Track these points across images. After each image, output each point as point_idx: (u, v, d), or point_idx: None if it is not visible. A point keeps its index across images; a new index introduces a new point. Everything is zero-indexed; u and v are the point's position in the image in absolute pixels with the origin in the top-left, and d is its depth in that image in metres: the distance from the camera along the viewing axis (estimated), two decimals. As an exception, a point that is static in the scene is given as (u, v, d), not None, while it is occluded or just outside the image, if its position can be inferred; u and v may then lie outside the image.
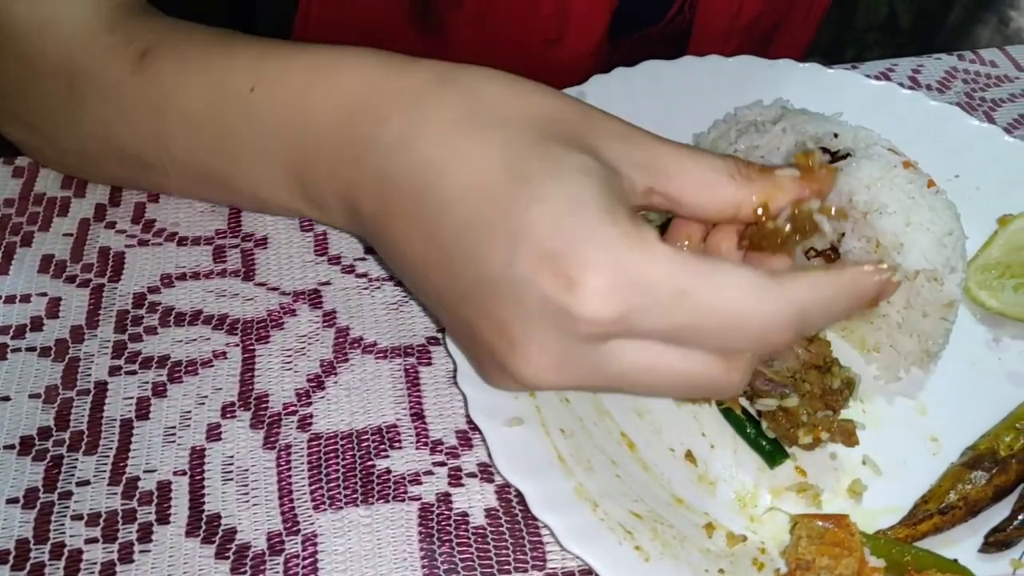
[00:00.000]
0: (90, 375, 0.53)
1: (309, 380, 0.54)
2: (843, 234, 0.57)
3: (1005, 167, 0.67)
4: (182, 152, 0.54)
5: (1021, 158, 0.67)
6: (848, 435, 0.52)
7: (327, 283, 0.59)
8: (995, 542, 0.48)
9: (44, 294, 0.57)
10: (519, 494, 0.48)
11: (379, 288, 0.59)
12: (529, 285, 0.38)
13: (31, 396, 0.52)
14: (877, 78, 0.76)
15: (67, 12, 0.56)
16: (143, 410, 0.52)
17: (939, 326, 0.55)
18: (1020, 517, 0.49)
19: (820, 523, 0.46)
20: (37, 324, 0.55)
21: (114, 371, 0.53)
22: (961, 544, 0.49)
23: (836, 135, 0.60)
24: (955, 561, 0.47)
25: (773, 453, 0.52)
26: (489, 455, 0.48)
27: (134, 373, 0.53)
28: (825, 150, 0.58)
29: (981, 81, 0.82)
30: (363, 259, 0.61)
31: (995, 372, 0.58)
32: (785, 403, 0.50)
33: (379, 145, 0.44)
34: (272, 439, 0.51)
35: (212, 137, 0.52)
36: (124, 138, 0.56)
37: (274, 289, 0.58)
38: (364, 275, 0.60)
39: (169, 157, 0.55)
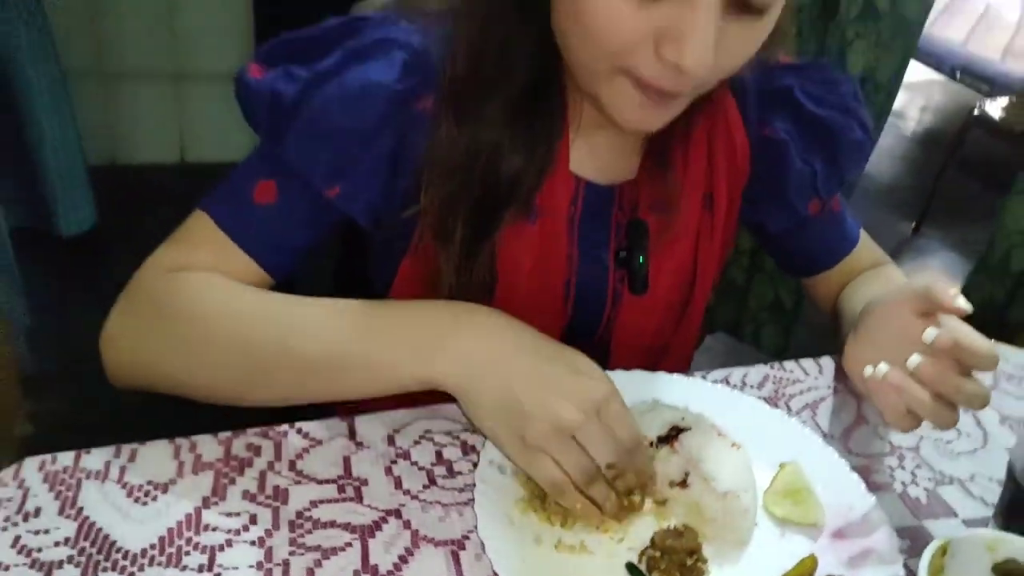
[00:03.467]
0: None
1: None
2: (688, 472, 1.03)
3: (786, 434, 1.15)
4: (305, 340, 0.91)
5: (791, 429, 1.16)
6: None
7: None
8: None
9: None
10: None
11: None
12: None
13: None
14: (718, 383, 1.26)
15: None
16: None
17: (745, 521, 1.01)
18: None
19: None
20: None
21: None
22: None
23: (683, 418, 1.08)
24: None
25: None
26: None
27: None
28: (676, 427, 1.06)
29: (784, 382, 1.33)
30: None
31: (781, 552, 1.02)
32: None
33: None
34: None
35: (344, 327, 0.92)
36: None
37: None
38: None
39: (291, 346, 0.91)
